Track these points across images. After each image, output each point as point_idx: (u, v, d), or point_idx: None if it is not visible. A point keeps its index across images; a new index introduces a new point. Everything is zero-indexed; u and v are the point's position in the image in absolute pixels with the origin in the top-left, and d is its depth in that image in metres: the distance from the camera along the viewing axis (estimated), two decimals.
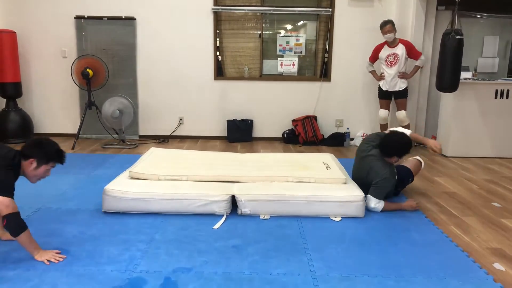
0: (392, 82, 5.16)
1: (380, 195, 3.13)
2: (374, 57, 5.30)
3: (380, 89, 5.32)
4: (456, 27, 4.49)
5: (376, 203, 3.12)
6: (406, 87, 5.17)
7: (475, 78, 5.22)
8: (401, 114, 5.18)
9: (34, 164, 2.34)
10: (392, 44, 5.09)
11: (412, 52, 5.07)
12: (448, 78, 4.51)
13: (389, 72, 5.14)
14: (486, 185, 3.97)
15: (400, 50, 5.06)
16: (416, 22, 5.36)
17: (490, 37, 5.86)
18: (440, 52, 4.58)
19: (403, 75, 5.10)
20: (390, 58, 5.10)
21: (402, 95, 5.18)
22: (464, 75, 5.11)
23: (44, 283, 2.07)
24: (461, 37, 4.41)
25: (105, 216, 2.96)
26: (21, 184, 3.68)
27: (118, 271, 2.20)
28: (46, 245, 2.48)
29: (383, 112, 5.35)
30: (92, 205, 3.17)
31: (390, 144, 3.15)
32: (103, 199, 3.00)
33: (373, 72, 5.42)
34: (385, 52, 5.15)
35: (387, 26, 5.00)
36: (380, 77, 5.27)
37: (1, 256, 2.33)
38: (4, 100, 5.58)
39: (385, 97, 5.29)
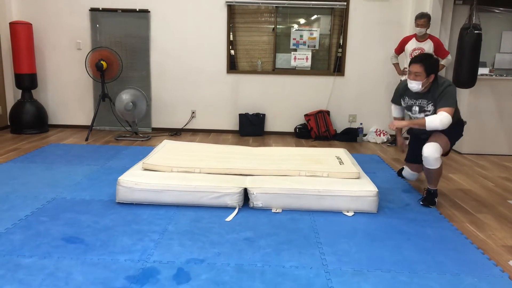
0: None
1: (452, 103, 2.95)
2: (400, 49, 5.11)
3: None
4: (474, 22, 4.41)
5: (447, 118, 2.93)
6: None
7: (492, 74, 5.12)
8: None
9: None
10: (421, 38, 4.90)
11: (439, 50, 4.87)
12: (465, 73, 4.43)
13: None
14: (502, 183, 3.91)
15: (428, 45, 4.86)
16: (433, 17, 5.26)
17: (509, 33, 5.75)
18: (458, 47, 4.50)
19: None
20: (416, 53, 4.94)
21: None
22: (481, 71, 5.02)
23: (59, 271, 2.10)
24: (480, 31, 4.33)
25: (118, 207, 2.99)
26: (36, 174, 3.75)
27: (131, 261, 2.22)
28: (61, 234, 2.52)
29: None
30: (105, 196, 3.20)
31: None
32: (117, 190, 3.03)
33: (396, 65, 5.26)
34: (412, 45, 4.95)
35: (422, 19, 4.78)
36: (403, 72, 5.14)
37: (17, 244, 2.37)
38: (20, 91, 5.65)
39: None
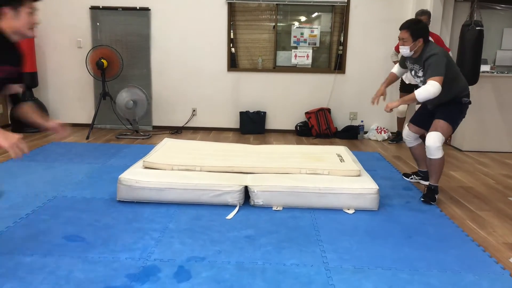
0: None
1: (439, 71, 2.94)
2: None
3: (402, 81, 5.19)
4: (475, 19, 4.39)
5: (434, 86, 2.91)
6: None
7: (493, 71, 5.11)
8: None
9: (10, 13, 1.86)
10: None
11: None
12: (468, 71, 4.40)
13: None
14: (503, 180, 3.90)
15: None
16: (434, 14, 5.25)
17: (510, 29, 5.74)
18: (459, 44, 4.47)
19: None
20: None
21: None
22: (482, 68, 5.00)
23: (60, 269, 2.10)
24: (481, 28, 4.31)
25: (119, 205, 2.99)
26: (37, 172, 3.76)
27: (132, 259, 2.22)
28: (62, 232, 2.53)
29: (402, 106, 5.26)
30: (106, 194, 3.20)
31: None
32: (118, 188, 3.03)
33: (396, 63, 5.26)
34: None
35: (422, 16, 4.74)
36: None
37: (18, 242, 2.37)
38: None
39: (406, 90, 5.13)
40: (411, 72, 3.35)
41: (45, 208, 2.90)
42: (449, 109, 3.17)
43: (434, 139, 3.09)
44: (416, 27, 3.08)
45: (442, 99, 3.13)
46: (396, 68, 3.55)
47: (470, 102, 3.21)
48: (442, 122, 3.13)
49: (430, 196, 3.20)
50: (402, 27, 3.12)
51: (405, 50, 3.14)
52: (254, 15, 5.85)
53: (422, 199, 3.22)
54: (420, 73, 3.18)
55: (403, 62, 3.46)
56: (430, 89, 2.95)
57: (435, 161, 3.15)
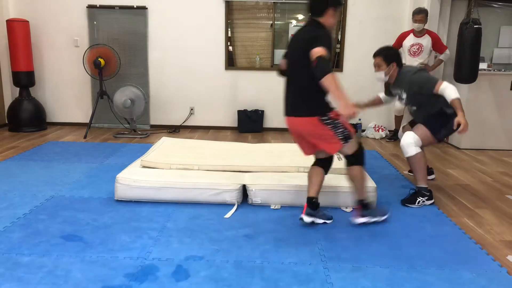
0: None
1: (434, 79, 3.04)
2: (398, 45, 5.07)
3: None
4: (473, 17, 4.39)
5: (446, 85, 2.93)
6: None
7: (490, 69, 5.11)
8: None
9: (331, 12, 2.54)
10: (418, 34, 4.91)
11: (437, 45, 4.89)
12: (466, 68, 4.41)
13: (411, 63, 4.99)
14: (500, 178, 3.91)
15: (426, 41, 4.87)
16: (431, 12, 5.25)
17: (507, 27, 5.74)
18: (458, 42, 4.48)
19: (424, 67, 4.93)
20: (414, 48, 4.92)
21: None
22: (479, 66, 5.01)
23: (58, 269, 2.10)
24: (479, 26, 4.31)
25: (117, 204, 2.98)
26: (34, 172, 3.75)
27: (130, 259, 2.22)
28: (60, 232, 2.52)
29: (399, 104, 5.26)
30: (104, 193, 3.20)
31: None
32: (115, 187, 3.02)
33: None
34: (409, 41, 4.94)
35: (420, 15, 4.78)
36: None
37: (16, 242, 2.37)
38: (17, 89, 5.63)
39: None
40: (397, 97, 3.38)
41: (42, 207, 2.89)
42: (433, 118, 3.17)
43: (406, 137, 3.11)
44: (388, 52, 3.16)
45: (429, 112, 3.16)
46: (383, 94, 3.54)
47: (455, 114, 3.03)
48: (421, 126, 3.15)
49: (409, 199, 3.14)
50: (375, 55, 3.19)
51: (379, 75, 3.17)
52: (251, 14, 5.84)
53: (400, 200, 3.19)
54: (404, 95, 3.20)
55: (387, 91, 3.47)
56: (450, 85, 2.93)
57: (411, 160, 3.13)
